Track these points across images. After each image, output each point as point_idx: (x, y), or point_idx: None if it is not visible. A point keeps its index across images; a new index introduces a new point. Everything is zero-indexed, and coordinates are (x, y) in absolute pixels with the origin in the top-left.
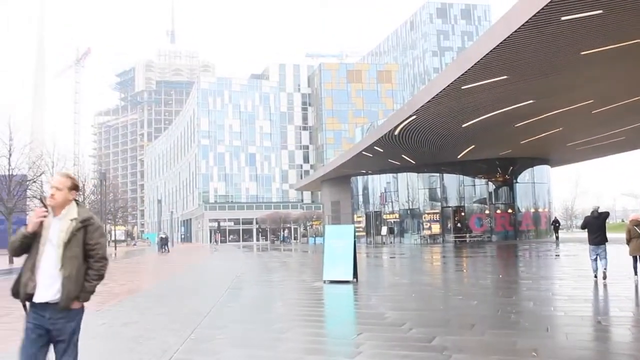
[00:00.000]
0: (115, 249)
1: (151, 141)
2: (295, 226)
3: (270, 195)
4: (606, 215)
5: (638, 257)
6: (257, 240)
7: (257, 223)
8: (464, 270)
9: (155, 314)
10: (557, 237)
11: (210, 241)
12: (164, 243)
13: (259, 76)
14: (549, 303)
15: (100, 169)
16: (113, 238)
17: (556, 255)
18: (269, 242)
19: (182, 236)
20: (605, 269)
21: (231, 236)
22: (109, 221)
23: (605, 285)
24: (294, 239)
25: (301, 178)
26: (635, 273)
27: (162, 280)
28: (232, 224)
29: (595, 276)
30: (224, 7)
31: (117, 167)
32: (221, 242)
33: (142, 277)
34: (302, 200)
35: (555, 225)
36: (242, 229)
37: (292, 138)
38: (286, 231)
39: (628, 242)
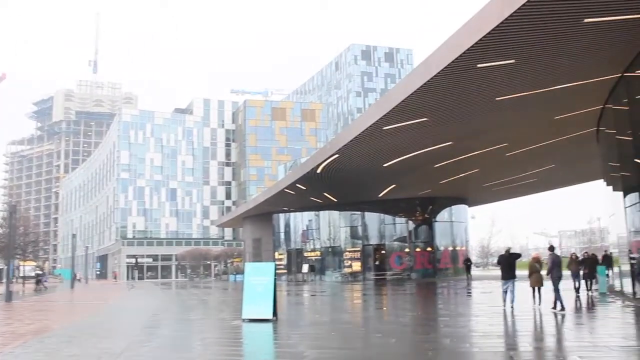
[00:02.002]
0: (24, 286)
1: (68, 173)
2: (216, 263)
3: (190, 231)
4: (517, 255)
5: (537, 288)
6: (176, 277)
7: (176, 260)
8: (384, 308)
9: (64, 356)
10: (468, 276)
11: (128, 278)
12: (39, 280)
13: (183, 110)
14: (465, 340)
15: (10, 200)
16: (22, 274)
17: (468, 293)
18: (188, 279)
19: (98, 272)
20: (512, 300)
21: (149, 273)
22: (18, 256)
23: (516, 321)
24: (215, 276)
25: (223, 214)
26: (534, 302)
27: (74, 319)
28: (150, 260)
29: (505, 306)
30: (149, 39)
31: (29, 199)
32: (138, 279)
33: (52, 316)
34: (223, 237)
35: (467, 264)
36: (161, 266)
37: (214, 174)
38: (211, 267)
39: (529, 276)
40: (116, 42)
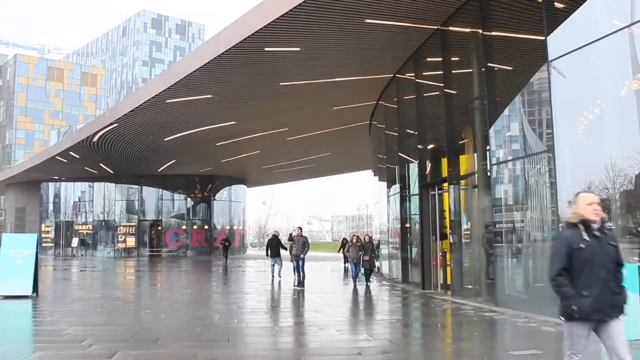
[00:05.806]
0: None
1: None
2: None
3: None
4: (279, 240)
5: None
6: None
7: None
8: (157, 285)
9: None
10: (225, 256)
11: None
12: None
13: None
14: (233, 316)
15: None
16: None
17: (224, 272)
18: None
19: None
20: (280, 271)
21: None
22: None
23: (282, 299)
24: None
25: None
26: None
27: None
28: None
29: (272, 277)
30: None
31: None
32: None
33: None
34: None
35: (225, 244)
36: None
37: None
38: None
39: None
40: None
